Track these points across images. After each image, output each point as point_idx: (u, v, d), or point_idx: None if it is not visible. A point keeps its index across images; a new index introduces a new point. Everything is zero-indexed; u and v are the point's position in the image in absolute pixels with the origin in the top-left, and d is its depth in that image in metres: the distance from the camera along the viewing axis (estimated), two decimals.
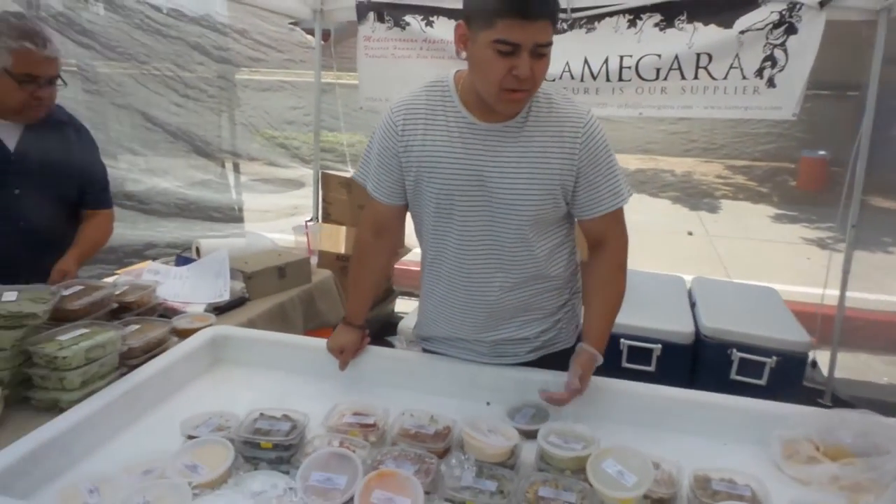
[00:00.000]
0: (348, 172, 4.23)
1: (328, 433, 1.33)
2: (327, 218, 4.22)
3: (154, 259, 2.51)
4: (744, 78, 3.29)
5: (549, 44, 1.28)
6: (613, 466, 1.17)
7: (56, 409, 1.36)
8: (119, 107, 2.84)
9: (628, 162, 10.65)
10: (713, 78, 3.34)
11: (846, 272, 3.27)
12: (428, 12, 3.70)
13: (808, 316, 3.61)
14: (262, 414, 1.33)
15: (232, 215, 4.57)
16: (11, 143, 1.88)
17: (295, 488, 1.12)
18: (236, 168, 4.57)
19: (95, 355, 1.41)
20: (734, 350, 2.55)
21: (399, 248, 1.58)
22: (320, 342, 1.70)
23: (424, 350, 1.74)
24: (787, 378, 2.52)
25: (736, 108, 3.36)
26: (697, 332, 2.67)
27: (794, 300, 4.13)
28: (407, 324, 2.92)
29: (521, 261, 1.49)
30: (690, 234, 6.64)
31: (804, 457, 1.33)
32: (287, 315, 2.24)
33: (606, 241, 1.51)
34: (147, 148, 3.11)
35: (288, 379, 1.66)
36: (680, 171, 9.96)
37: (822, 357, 3.47)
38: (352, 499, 1.09)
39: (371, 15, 3.81)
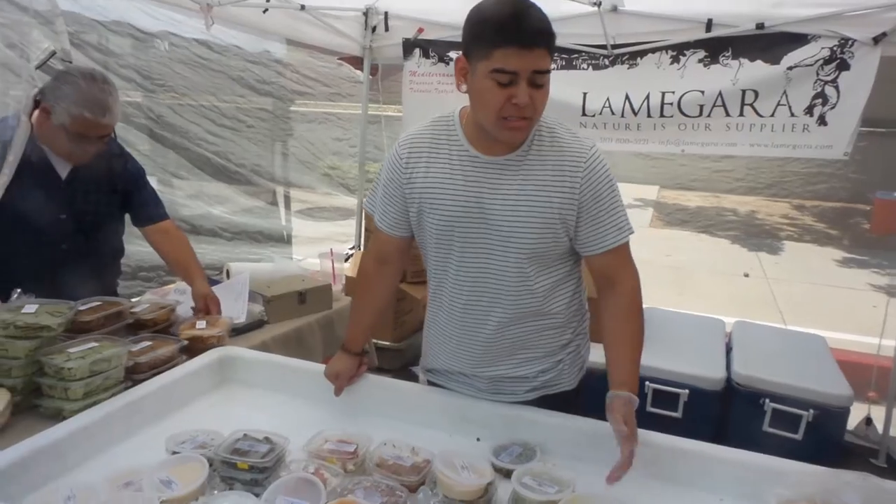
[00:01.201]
0: None
1: (308, 458, 1.34)
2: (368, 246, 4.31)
3: None
4: (792, 115, 3.17)
5: (547, 72, 1.30)
6: None
7: (60, 417, 1.43)
8: (162, 136, 3.02)
9: (689, 199, 10.38)
10: (759, 115, 3.24)
11: None
12: None
13: (863, 368, 3.38)
14: (245, 434, 1.36)
15: (281, 240, 4.74)
16: (63, 172, 2.00)
17: None
18: (287, 196, 4.76)
19: (100, 368, 1.49)
20: (767, 400, 2.40)
21: (400, 280, 1.62)
22: (323, 368, 1.72)
23: (429, 382, 1.74)
24: (826, 434, 2.35)
25: (783, 146, 3.24)
26: (729, 379, 2.53)
27: (851, 350, 3.89)
28: None
29: (519, 296, 1.48)
30: (746, 275, 6.35)
31: None
32: (304, 340, 2.29)
33: (616, 280, 1.48)
34: (192, 174, 3.29)
35: (289, 402, 1.69)
36: (744, 210, 9.60)
37: (879, 413, 3.23)
38: None
39: (417, 51, 3.92)
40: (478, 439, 1.52)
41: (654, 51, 3.37)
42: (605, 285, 1.49)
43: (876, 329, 3.39)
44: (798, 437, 2.37)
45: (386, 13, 3.94)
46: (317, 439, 1.41)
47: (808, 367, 2.62)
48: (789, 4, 3.06)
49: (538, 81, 1.28)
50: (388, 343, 3.81)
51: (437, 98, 3.93)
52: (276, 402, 1.70)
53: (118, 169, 2.13)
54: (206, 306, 2.05)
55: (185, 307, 2.08)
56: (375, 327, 1.77)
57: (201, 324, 1.90)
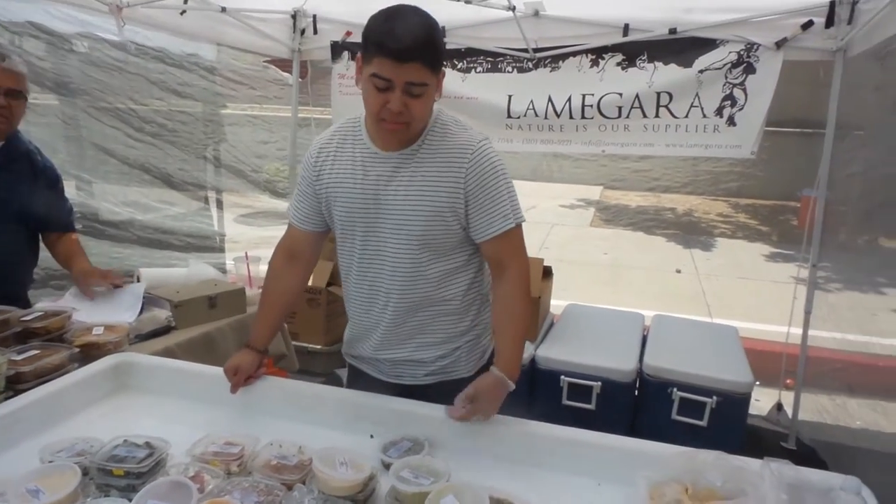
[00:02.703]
0: None
1: (192, 462, 1.33)
2: None
3: None
4: (704, 116, 3.30)
5: (423, 84, 1.38)
6: (452, 503, 1.15)
7: None
8: (78, 140, 2.95)
9: (631, 199, 10.65)
10: (674, 116, 3.36)
11: (808, 312, 3.21)
12: None
13: (776, 356, 3.54)
14: (125, 440, 1.34)
15: (213, 246, 4.65)
16: None
17: None
18: (219, 200, 4.67)
19: None
20: (675, 389, 2.50)
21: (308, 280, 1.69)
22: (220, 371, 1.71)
23: (350, 366, 1.83)
24: (729, 419, 2.46)
25: (697, 146, 3.37)
26: (641, 371, 2.62)
27: (767, 339, 4.07)
28: None
29: (413, 282, 1.57)
30: (678, 271, 6.57)
31: (671, 500, 1.29)
32: (215, 345, 2.26)
33: (504, 266, 1.57)
34: (113, 179, 3.21)
35: (187, 407, 1.67)
36: (682, 208, 9.92)
37: (791, 399, 3.39)
38: None
39: (345, 54, 3.92)
40: (371, 436, 1.54)
41: (574, 54, 3.45)
42: (496, 273, 1.60)
43: (797, 319, 3.56)
44: (703, 423, 2.47)
45: (314, 16, 3.92)
46: (202, 442, 1.40)
47: (716, 356, 2.74)
48: (699, 10, 3.19)
49: (414, 92, 1.38)
50: (319, 347, 3.80)
51: None
52: (172, 407, 1.68)
53: (35, 167, 2.16)
54: (87, 281, 2.14)
55: (83, 314, 2.03)
56: (280, 325, 1.82)
57: (98, 330, 1.86)
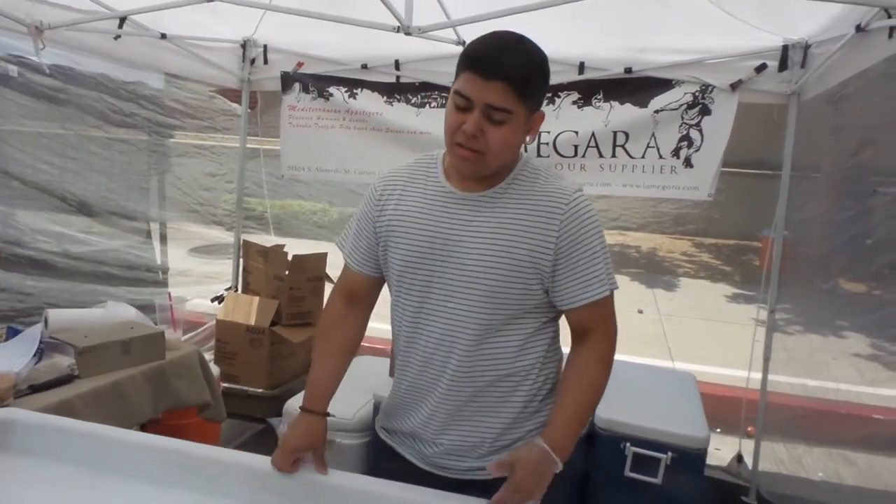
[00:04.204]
0: (272, 240, 4.12)
1: None
2: (246, 287, 4.07)
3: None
4: (661, 157, 3.25)
5: (506, 110, 1.21)
6: None
7: None
8: None
9: None
10: (631, 157, 3.31)
11: (767, 359, 3.13)
12: (352, 84, 3.70)
13: (736, 402, 3.43)
14: None
15: (155, 280, 4.42)
16: None
17: None
18: (163, 234, 4.46)
19: None
20: (628, 444, 2.35)
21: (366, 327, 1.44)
22: (134, 435, 1.54)
23: (382, 442, 1.53)
24: (685, 475, 2.32)
25: (654, 187, 3.31)
26: (593, 423, 2.47)
27: (727, 384, 3.97)
28: (293, 404, 2.71)
29: (476, 350, 1.33)
30: (640, 312, 6.51)
31: None
32: (125, 394, 2.04)
33: (589, 333, 1.35)
34: (38, 207, 3.00)
35: (71, 472, 1.46)
36: (646, 247, 9.95)
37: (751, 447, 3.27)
38: None
39: (297, 86, 3.80)
40: None
41: None
42: (577, 338, 1.37)
43: (755, 363, 3.47)
44: (658, 480, 2.31)
45: (265, 46, 3.81)
46: None
47: (671, 407, 2.60)
48: (653, 51, 3.17)
49: (494, 117, 1.21)
50: (260, 390, 3.58)
51: (317, 133, 3.81)
52: (59, 474, 1.46)
53: None
54: None
55: None
56: (340, 379, 1.51)
57: None
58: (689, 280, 8.30)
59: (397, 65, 3.56)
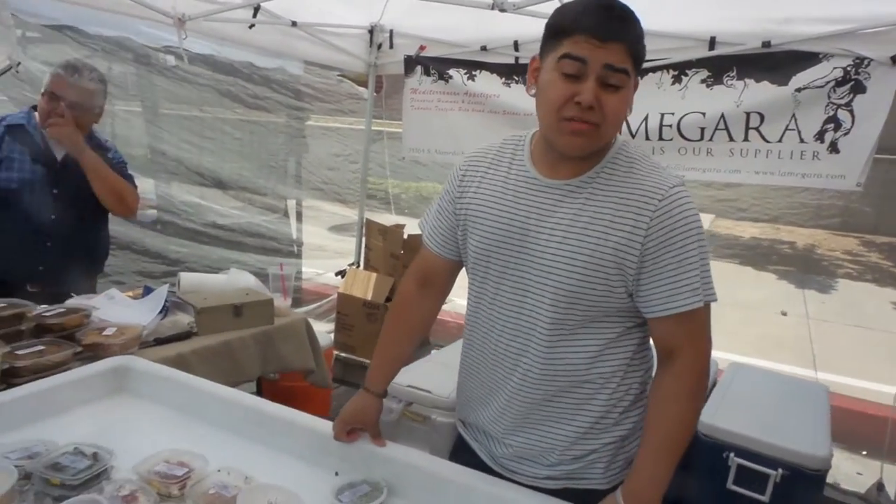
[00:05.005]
0: (392, 219, 4.28)
1: (137, 479, 1.28)
2: (367, 263, 4.27)
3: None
4: (801, 141, 2.91)
5: (623, 71, 1.10)
6: None
7: None
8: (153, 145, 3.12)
9: (743, 229, 9.81)
10: (766, 140, 2.99)
11: None
12: (471, 66, 3.71)
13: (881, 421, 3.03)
14: (75, 448, 1.31)
15: (290, 252, 4.79)
16: (59, 155, 2.33)
17: None
18: (299, 211, 4.81)
19: None
20: (731, 454, 2.16)
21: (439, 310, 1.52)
22: (224, 390, 1.66)
23: (459, 436, 1.50)
24: (799, 498, 2.08)
25: (792, 174, 2.97)
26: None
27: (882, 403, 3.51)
28: (400, 380, 2.80)
29: (551, 350, 1.23)
30: (784, 314, 5.89)
31: None
32: (236, 355, 2.24)
33: (675, 353, 1.19)
34: (189, 181, 3.37)
35: (175, 419, 1.63)
36: (802, 243, 8.97)
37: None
38: None
39: (418, 69, 3.89)
40: (336, 473, 1.41)
41: (654, 70, 3.18)
42: (662, 358, 1.23)
43: None
44: (765, 498, 2.10)
45: (391, 31, 3.93)
46: (151, 459, 1.34)
47: (791, 419, 2.34)
48: (798, 21, 2.82)
49: (611, 81, 1.09)
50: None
51: (437, 115, 3.88)
52: (161, 417, 1.64)
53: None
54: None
55: (104, 312, 2.07)
56: (407, 361, 1.51)
57: (109, 330, 1.88)
58: (848, 282, 7.37)
59: (516, 45, 3.51)
